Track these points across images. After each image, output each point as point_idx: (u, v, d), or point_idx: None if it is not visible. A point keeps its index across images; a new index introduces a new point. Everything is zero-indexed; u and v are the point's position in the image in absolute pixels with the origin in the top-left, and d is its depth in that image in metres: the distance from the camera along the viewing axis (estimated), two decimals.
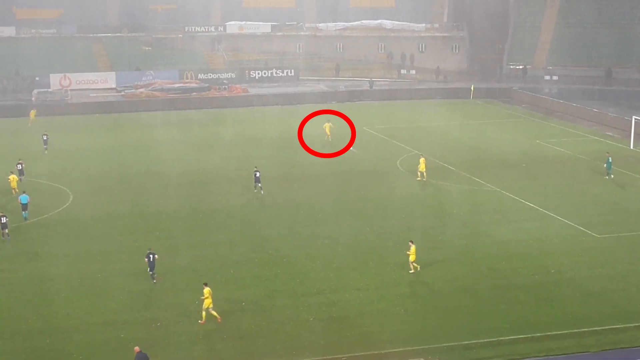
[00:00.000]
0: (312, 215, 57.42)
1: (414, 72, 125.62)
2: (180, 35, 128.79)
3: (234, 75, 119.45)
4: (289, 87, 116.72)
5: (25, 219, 56.33)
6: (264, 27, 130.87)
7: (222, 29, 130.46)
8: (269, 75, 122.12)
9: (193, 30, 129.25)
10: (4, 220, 52.48)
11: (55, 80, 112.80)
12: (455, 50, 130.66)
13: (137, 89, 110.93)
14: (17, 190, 61.31)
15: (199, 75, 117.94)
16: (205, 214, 57.67)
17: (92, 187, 65.16)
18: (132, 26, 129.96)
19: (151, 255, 45.39)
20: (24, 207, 56.45)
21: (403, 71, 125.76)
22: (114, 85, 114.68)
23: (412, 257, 46.36)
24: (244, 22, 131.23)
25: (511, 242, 51.73)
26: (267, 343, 37.96)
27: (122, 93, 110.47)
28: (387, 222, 55.78)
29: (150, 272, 45.32)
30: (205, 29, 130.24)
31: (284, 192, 63.32)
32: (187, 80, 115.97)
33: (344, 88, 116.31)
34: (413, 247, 46.40)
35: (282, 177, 68.00)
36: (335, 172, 69.80)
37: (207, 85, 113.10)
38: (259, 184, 62.80)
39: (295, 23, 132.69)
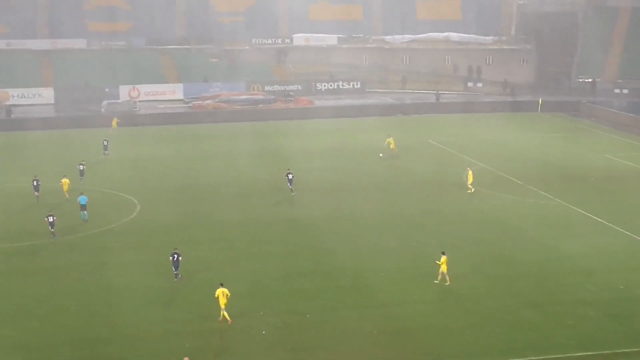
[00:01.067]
0: (376, 227, 57.23)
1: (480, 84, 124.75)
2: (247, 47, 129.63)
3: (300, 87, 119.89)
4: (355, 100, 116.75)
5: (85, 220, 57.75)
6: (331, 39, 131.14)
7: (288, 41, 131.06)
8: (335, 87, 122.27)
9: (260, 42, 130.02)
10: (51, 219, 54.44)
11: (125, 91, 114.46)
12: (523, 63, 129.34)
13: (204, 100, 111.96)
14: (68, 194, 63.00)
15: (266, 87, 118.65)
16: (268, 226, 57.81)
17: (159, 197, 65.83)
18: (199, 38, 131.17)
19: (176, 255, 46.66)
20: (83, 207, 58.24)
21: (469, 84, 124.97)
22: (181, 97, 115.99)
23: (443, 268, 46.02)
24: (310, 34, 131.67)
25: (578, 257, 50.94)
26: (330, 355, 37.87)
27: (190, 104, 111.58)
28: (451, 235, 55.33)
29: (175, 272, 46.41)
30: (272, 41, 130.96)
31: (347, 204, 63.22)
32: (253, 92, 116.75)
33: (410, 100, 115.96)
34: (444, 258, 46.07)
35: (346, 188, 67.95)
36: (398, 184, 69.54)
37: (273, 97, 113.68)
38: (291, 186, 65.03)
39: (361, 35, 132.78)
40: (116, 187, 68.69)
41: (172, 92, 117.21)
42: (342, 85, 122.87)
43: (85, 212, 58.16)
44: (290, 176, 65.86)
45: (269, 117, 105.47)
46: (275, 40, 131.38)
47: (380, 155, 79.76)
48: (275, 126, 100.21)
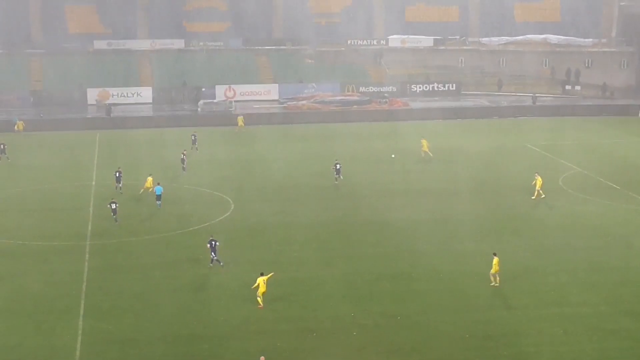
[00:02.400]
0: (470, 231, 56.66)
1: (578, 88, 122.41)
2: (343, 49, 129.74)
3: (395, 89, 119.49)
4: (450, 102, 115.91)
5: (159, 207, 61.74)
6: (427, 41, 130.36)
7: (384, 43, 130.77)
8: (430, 89, 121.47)
9: (355, 43, 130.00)
10: (114, 206, 57.73)
11: (221, 91, 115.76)
12: (624, 66, 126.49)
13: (299, 101, 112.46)
14: (151, 190, 64.43)
15: (360, 88, 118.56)
16: (363, 227, 57.76)
17: (252, 197, 66.31)
18: (295, 39, 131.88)
19: (213, 242, 48.61)
20: (158, 197, 61.93)
21: (567, 87, 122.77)
22: (276, 97, 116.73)
23: (493, 269, 45.62)
24: (406, 35, 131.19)
25: None
26: (420, 358, 37.70)
27: (284, 105, 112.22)
28: (547, 240, 54.48)
29: (214, 257, 48.49)
30: (367, 42, 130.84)
31: (442, 207, 62.79)
32: (348, 93, 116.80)
33: (507, 103, 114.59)
34: (496, 259, 45.62)
35: (440, 191, 67.44)
36: (493, 188, 68.72)
37: (367, 98, 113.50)
38: (338, 175, 69.04)
39: (458, 37, 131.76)
40: (210, 185, 69.48)
41: (267, 93, 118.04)
42: (437, 87, 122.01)
43: (159, 202, 61.94)
44: (338, 166, 69.07)
45: (363, 119, 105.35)
46: (370, 42, 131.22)
47: (393, 156, 79.83)
48: (370, 128, 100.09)
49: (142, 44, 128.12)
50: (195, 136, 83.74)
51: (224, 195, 66.42)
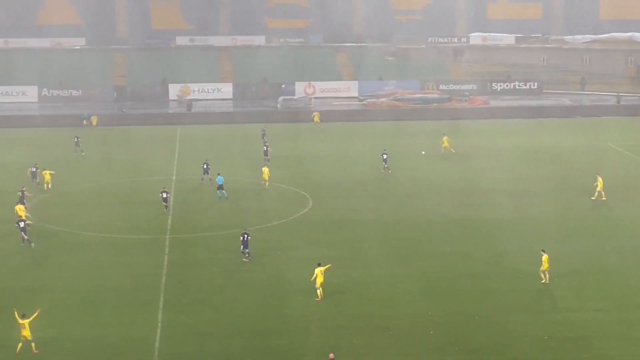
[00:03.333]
0: (552, 231, 55.86)
1: None
2: (423, 46, 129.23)
3: (475, 87, 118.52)
4: (532, 101, 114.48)
5: (224, 197, 63.40)
6: (508, 39, 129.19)
7: (465, 40, 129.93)
8: (511, 87, 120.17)
9: (436, 40, 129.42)
10: (165, 195, 59.64)
11: (300, 88, 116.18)
12: None
13: (379, 98, 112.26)
14: (266, 181, 66.79)
15: (440, 86, 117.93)
16: (442, 225, 57.39)
17: (331, 193, 66.39)
18: (376, 36, 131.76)
19: (245, 235, 49.51)
20: (220, 187, 63.58)
21: None
22: (356, 94, 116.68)
23: (543, 266, 45.59)
24: (487, 33, 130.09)
25: None
26: (498, 359, 37.30)
27: (364, 102, 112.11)
28: (630, 242, 53.45)
29: (245, 250, 49.52)
30: (448, 39, 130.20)
31: (522, 206, 62.03)
32: (428, 91, 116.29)
33: (589, 102, 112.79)
34: (545, 256, 45.60)
35: (520, 190, 66.64)
36: (575, 188, 67.58)
37: (447, 96, 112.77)
38: (386, 165, 72.19)
39: (540, 35, 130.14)
40: (289, 181, 69.76)
41: (347, 90, 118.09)
42: (519, 85, 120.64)
43: (223, 191, 63.60)
44: (385, 156, 72.31)
45: (442, 117, 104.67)
46: (451, 39, 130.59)
47: (423, 152, 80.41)
48: (450, 126, 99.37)
49: (224, 40, 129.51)
50: (264, 131, 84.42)
51: (302, 191, 66.62)
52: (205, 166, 68.29)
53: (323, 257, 49.94)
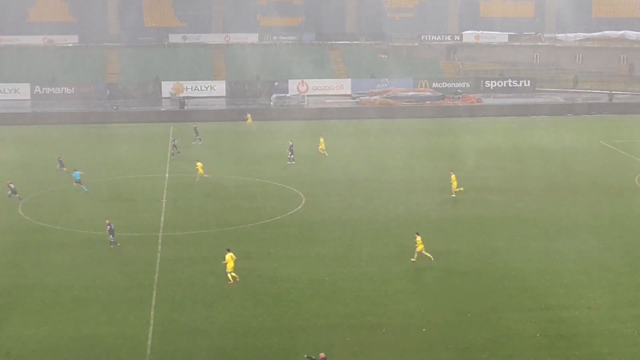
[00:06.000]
0: (544, 228, 55.96)
1: None
2: (416, 44, 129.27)
3: (468, 85, 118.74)
4: (525, 98, 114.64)
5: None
6: (501, 37, 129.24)
7: (458, 38, 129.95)
8: (504, 85, 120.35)
9: (429, 38, 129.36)
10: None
11: (293, 85, 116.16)
12: None
13: (372, 96, 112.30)
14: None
15: (433, 83, 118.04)
16: (434, 223, 57.38)
17: (323, 191, 66.38)
18: (369, 34, 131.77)
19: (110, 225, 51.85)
20: (78, 182, 65.29)
21: None
22: (349, 92, 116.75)
23: (419, 247, 48.44)
24: (480, 31, 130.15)
25: None
26: (491, 356, 37.32)
27: (357, 100, 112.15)
28: (622, 239, 53.55)
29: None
30: (441, 37, 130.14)
31: (514, 204, 62.11)
32: (421, 89, 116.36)
33: (582, 100, 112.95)
34: (418, 238, 48.51)
35: (513, 188, 66.72)
36: (567, 186, 67.76)
37: (441, 94, 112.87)
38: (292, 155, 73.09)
39: (533, 33, 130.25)
40: (282, 179, 69.76)
41: (339, 87, 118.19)
42: (512, 83, 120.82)
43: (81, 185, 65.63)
44: (291, 146, 75.34)
45: (435, 115, 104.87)
46: (444, 37, 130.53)
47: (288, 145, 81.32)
48: (442, 123, 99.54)
49: (217, 38, 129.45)
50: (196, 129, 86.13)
51: (295, 189, 66.60)
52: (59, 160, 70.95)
53: (316, 254, 50.24)
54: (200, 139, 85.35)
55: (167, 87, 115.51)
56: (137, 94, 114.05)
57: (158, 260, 49.64)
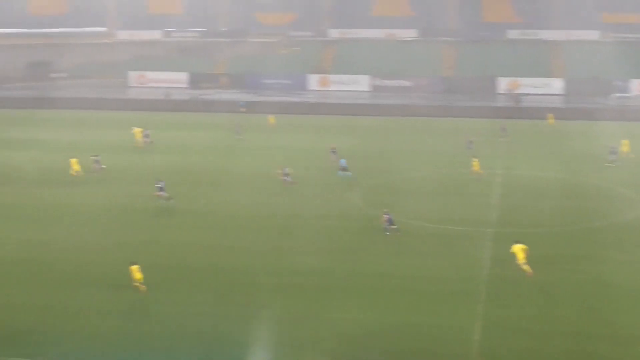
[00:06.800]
0: None
1: None
2: None
3: None
4: None
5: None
6: None
7: None
8: None
9: None
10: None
11: (636, 85, 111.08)
12: None
13: None
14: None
15: None
16: None
17: None
18: None
19: (388, 214, 52.62)
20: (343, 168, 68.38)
21: None
22: None
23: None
24: None
25: None
26: None
27: None
28: None
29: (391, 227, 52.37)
30: None
31: None
32: None
33: None
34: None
35: None
36: None
37: None
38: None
39: None
40: (620, 183, 66.98)
41: None
42: None
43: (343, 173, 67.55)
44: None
45: None
46: None
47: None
48: None
49: (556, 34, 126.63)
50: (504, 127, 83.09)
51: (630, 192, 63.69)
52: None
53: None
54: (506, 136, 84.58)
55: (502, 83, 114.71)
56: (472, 89, 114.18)
57: (488, 256, 49.20)
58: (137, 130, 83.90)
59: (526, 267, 44.87)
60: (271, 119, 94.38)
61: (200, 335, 38.59)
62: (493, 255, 49.34)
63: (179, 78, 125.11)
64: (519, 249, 45.54)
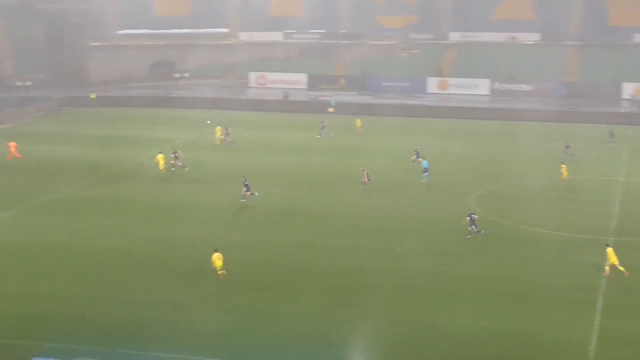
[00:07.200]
0: None
1: None
2: None
3: None
4: None
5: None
6: None
7: None
8: None
9: None
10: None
11: None
12: None
13: None
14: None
15: None
16: None
17: None
18: None
19: (473, 215, 52.46)
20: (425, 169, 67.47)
21: None
22: None
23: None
24: None
25: None
26: None
27: None
28: None
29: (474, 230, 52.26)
30: None
31: None
32: None
33: None
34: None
35: None
36: None
37: None
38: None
39: None
40: None
41: None
42: None
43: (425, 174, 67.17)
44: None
45: None
46: None
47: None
48: None
49: None
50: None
51: None
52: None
53: None
54: (614, 142, 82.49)
55: (628, 89, 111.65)
56: (596, 94, 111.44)
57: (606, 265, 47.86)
58: (218, 129, 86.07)
59: (622, 268, 44.93)
60: (358, 122, 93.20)
61: (310, 337, 38.75)
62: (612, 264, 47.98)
63: (298, 79, 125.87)
64: (611, 252, 45.39)
